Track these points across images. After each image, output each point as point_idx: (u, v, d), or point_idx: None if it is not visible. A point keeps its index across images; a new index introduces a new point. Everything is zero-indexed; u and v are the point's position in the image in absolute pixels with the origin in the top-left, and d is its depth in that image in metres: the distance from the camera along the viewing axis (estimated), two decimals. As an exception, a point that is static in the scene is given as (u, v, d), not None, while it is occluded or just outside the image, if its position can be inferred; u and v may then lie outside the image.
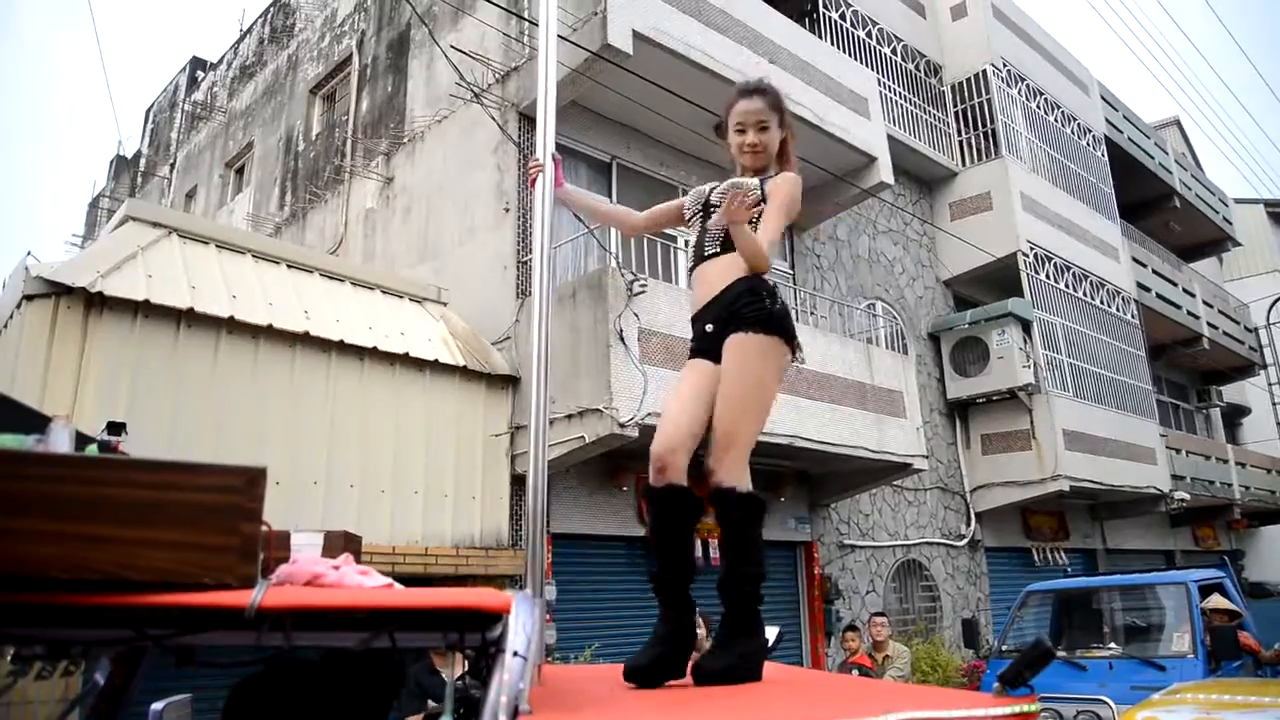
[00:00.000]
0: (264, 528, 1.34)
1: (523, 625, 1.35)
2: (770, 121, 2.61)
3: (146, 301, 5.76)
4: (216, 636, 1.34)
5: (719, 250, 2.52)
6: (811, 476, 10.12)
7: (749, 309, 2.41)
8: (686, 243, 2.78)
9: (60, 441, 1.47)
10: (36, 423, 1.54)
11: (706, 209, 2.61)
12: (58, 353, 5.42)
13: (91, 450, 1.64)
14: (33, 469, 1.25)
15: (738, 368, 2.38)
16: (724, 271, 2.50)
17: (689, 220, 2.70)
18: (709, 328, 2.48)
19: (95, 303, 5.60)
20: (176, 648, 1.38)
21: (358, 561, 1.98)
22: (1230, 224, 22.09)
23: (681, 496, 2.41)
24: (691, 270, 2.64)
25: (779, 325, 2.43)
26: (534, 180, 2.64)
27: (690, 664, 2.26)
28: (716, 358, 2.46)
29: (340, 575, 1.46)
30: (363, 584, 1.45)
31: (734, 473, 2.35)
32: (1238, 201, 24.38)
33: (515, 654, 1.31)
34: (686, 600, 2.37)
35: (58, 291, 5.49)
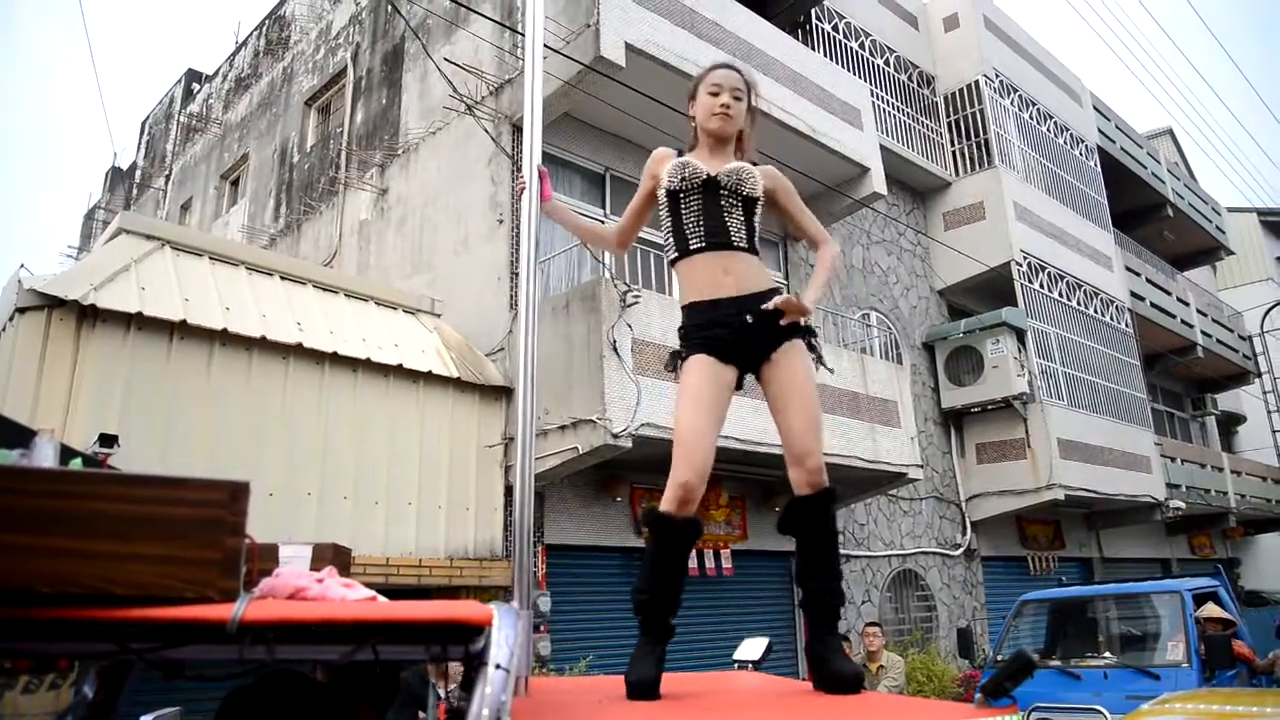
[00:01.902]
0: (247, 541, 1.34)
1: (505, 638, 1.35)
2: (743, 94, 2.60)
3: (139, 314, 5.76)
4: (200, 650, 1.34)
5: (745, 247, 2.49)
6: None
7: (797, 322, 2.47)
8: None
9: (45, 455, 1.48)
10: (21, 436, 1.54)
11: (706, 188, 2.48)
12: (50, 365, 5.42)
13: (76, 464, 1.65)
14: (15, 483, 1.25)
15: (806, 373, 2.44)
16: (758, 272, 2.49)
17: (678, 193, 2.52)
18: (750, 319, 2.40)
19: (88, 315, 5.61)
20: (162, 661, 1.38)
21: (348, 573, 1.98)
22: (1223, 233, 22.18)
23: (697, 526, 2.39)
24: (695, 251, 2.48)
25: (808, 340, 2.53)
26: (521, 193, 2.65)
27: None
28: (734, 356, 2.42)
29: (324, 588, 1.46)
30: (346, 596, 1.45)
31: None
32: (1230, 210, 24.49)
33: (497, 666, 1.32)
34: (670, 628, 2.36)
35: (50, 304, 5.49)
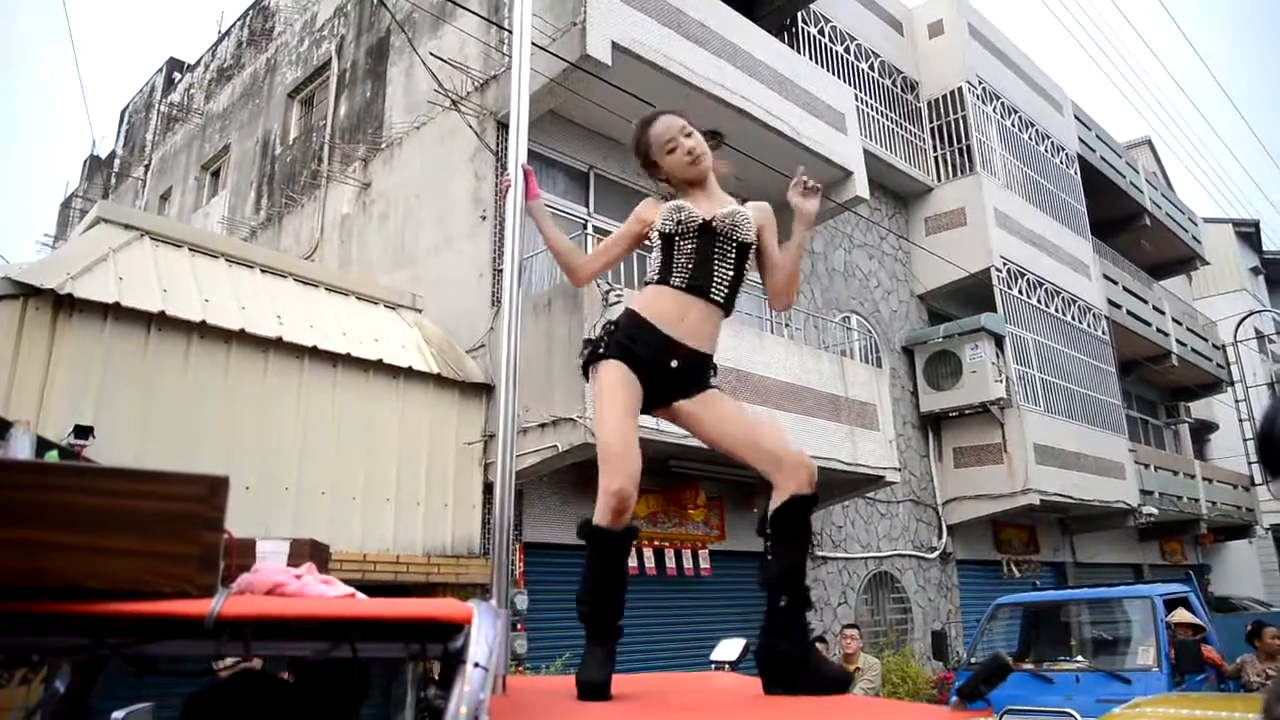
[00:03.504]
0: (225, 536, 1.33)
1: (484, 636, 1.35)
2: (691, 128, 2.59)
3: (117, 304, 5.70)
4: (176, 645, 1.33)
5: (722, 303, 2.49)
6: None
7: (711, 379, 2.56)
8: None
9: (20, 447, 1.46)
10: (-3, 428, 1.53)
11: (703, 232, 2.47)
12: (25, 355, 5.35)
13: (52, 456, 1.64)
14: (-9, 475, 1.24)
15: (741, 406, 2.63)
16: (711, 333, 2.50)
17: (679, 237, 2.49)
18: (674, 364, 2.42)
19: (64, 305, 5.54)
20: (136, 656, 1.37)
21: (325, 569, 1.97)
22: (1199, 243, 22.45)
23: (633, 533, 2.40)
24: (675, 286, 2.47)
25: None
26: (505, 192, 2.64)
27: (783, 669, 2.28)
28: (649, 383, 2.43)
29: (302, 584, 1.45)
30: (324, 593, 1.45)
31: None
32: (1207, 221, 24.78)
33: (476, 665, 1.32)
34: (618, 630, 2.37)
35: (26, 293, 5.42)
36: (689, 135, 2.57)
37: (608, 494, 2.28)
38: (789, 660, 2.23)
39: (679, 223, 2.48)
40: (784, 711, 2.00)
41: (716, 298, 2.47)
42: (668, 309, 2.45)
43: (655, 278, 2.52)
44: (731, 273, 2.49)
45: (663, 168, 2.60)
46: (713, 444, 2.49)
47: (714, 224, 2.48)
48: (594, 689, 2.15)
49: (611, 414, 2.34)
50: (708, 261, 2.47)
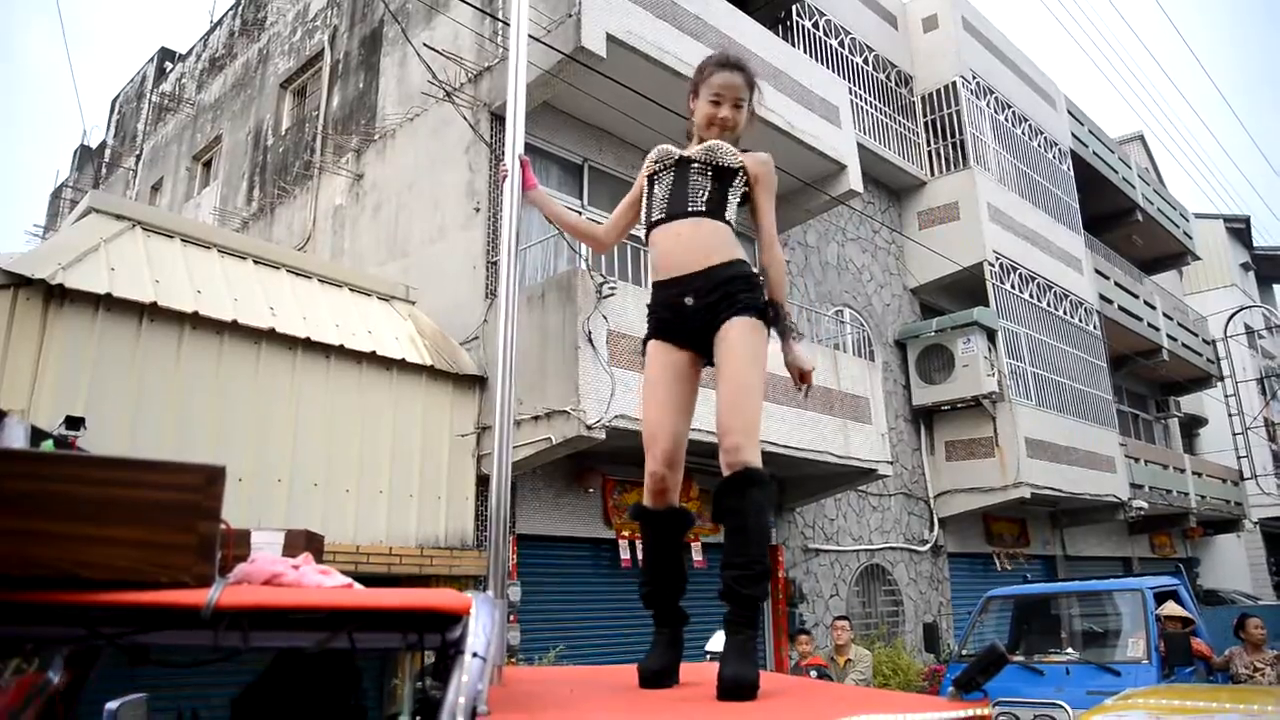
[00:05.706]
0: (222, 526, 1.33)
1: (482, 627, 1.35)
2: (745, 101, 2.57)
3: (109, 295, 5.67)
4: (172, 635, 1.33)
5: (704, 210, 2.40)
6: (777, 480, 10.18)
7: (747, 296, 2.35)
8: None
9: (14, 437, 1.45)
10: (-9, 417, 1.52)
11: (679, 165, 2.48)
12: (16, 345, 5.32)
13: (47, 446, 1.63)
14: (-13, 464, 1.23)
15: (744, 350, 2.29)
16: (709, 241, 2.39)
17: (656, 176, 2.52)
18: (689, 301, 2.35)
19: (56, 295, 5.50)
20: (132, 646, 1.37)
21: (319, 560, 1.97)
22: (1190, 238, 22.53)
23: (681, 515, 2.41)
24: (657, 224, 2.47)
25: (767, 317, 2.41)
26: (503, 182, 2.64)
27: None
28: (687, 338, 2.41)
29: (299, 575, 1.45)
30: (322, 584, 1.44)
31: (757, 452, 2.23)
32: (1198, 217, 24.88)
33: (474, 655, 1.31)
34: (680, 613, 2.37)
35: (17, 283, 5.39)
36: (738, 106, 2.56)
37: (646, 477, 2.37)
38: (738, 687, 1.96)
39: (657, 161, 2.54)
40: (778, 703, 2.01)
41: (697, 208, 2.42)
42: (662, 250, 2.45)
43: (644, 226, 2.56)
44: (709, 185, 2.43)
45: (695, 100, 2.61)
46: None
47: (691, 155, 2.50)
48: (651, 676, 2.14)
49: (645, 402, 2.45)
50: (683, 186, 2.46)
